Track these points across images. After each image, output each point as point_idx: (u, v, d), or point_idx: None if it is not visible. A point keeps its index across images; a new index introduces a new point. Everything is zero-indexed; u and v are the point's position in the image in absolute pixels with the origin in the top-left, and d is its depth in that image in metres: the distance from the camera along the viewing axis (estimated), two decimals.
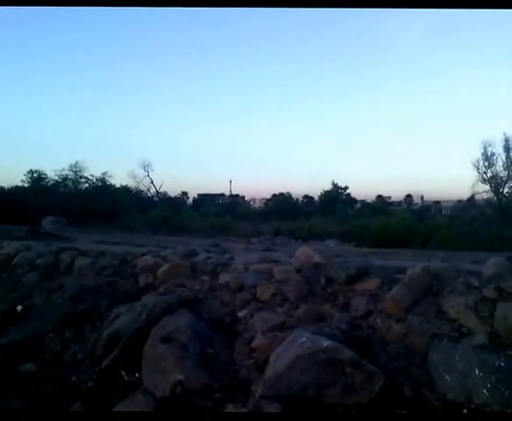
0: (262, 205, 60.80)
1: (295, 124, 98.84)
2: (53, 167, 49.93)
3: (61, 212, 28.65)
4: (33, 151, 72.73)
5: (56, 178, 40.70)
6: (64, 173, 40.83)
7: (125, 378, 4.29)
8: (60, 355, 5.00)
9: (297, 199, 57.79)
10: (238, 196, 63.87)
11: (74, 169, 40.91)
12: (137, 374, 4.25)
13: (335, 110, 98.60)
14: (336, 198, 51.54)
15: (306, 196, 59.36)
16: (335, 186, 54.03)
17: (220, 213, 43.30)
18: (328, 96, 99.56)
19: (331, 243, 25.52)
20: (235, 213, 44.18)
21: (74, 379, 4.46)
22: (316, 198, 56.82)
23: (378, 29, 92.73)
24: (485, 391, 3.21)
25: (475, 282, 4.48)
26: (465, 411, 3.18)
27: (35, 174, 40.23)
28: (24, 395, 4.14)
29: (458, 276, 4.70)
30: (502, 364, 3.36)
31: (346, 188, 54.55)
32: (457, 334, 3.87)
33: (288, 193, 57.33)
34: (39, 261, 8.19)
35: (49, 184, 40.16)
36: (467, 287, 4.40)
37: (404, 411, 3.16)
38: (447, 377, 3.46)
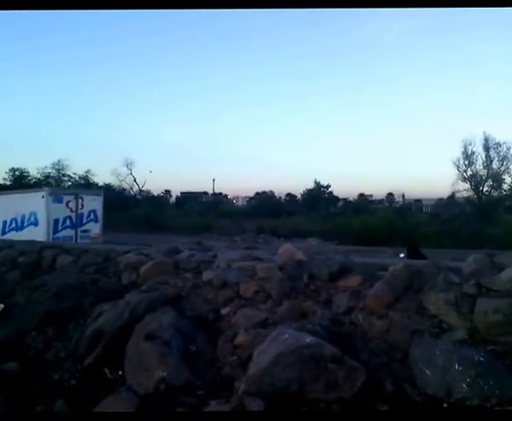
0: (245, 203, 60.90)
1: (278, 123, 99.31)
2: (36, 165, 49.37)
3: None
4: (15, 149, 71.96)
5: (38, 176, 40.39)
6: (46, 171, 40.54)
7: (108, 376, 4.28)
8: (43, 353, 4.96)
9: (280, 197, 58.02)
10: (221, 194, 63.82)
11: (57, 167, 40.68)
12: (120, 372, 4.24)
13: (317, 108, 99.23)
14: (318, 196, 51.81)
15: (289, 195, 59.54)
16: (317, 184, 54.36)
17: (203, 211, 43.21)
18: (310, 95, 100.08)
19: (314, 241, 25.64)
20: (218, 211, 44.18)
21: (56, 377, 4.43)
22: (299, 196, 57.05)
23: (361, 28, 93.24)
24: (464, 386, 3.25)
25: (455, 279, 4.53)
26: (444, 405, 3.22)
27: (17, 172, 39.83)
28: (6, 394, 4.09)
29: (438, 273, 4.75)
30: (482, 359, 3.41)
31: (328, 186, 54.94)
32: (437, 330, 3.91)
33: (270, 191, 57.68)
34: (21, 259, 8.14)
35: (31, 182, 39.77)
36: (448, 283, 4.45)
37: (386, 407, 3.19)
38: (428, 372, 3.50)
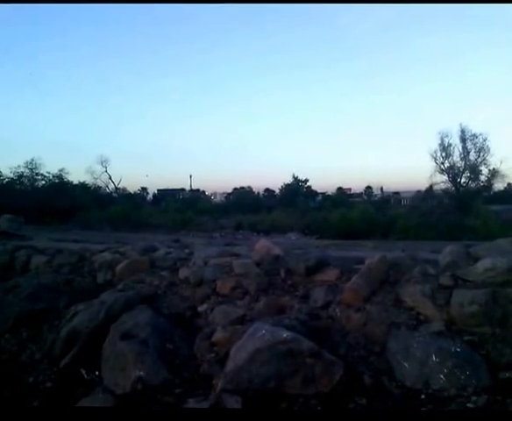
0: (223, 199, 60.77)
1: (255, 119, 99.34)
2: (8, 165, 48.52)
3: (18, 211, 27.97)
4: None
5: (11, 175, 39.71)
6: (19, 170, 39.89)
7: (85, 377, 4.21)
8: (17, 356, 4.87)
9: (258, 193, 57.89)
10: (198, 190, 63.50)
11: (30, 166, 39.97)
12: (97, 372, 4.17)
13: (294, 104, 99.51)
14: (297, 191, 51.86)
15: (267, 190, 59.49)
16: (295, 179, 54.35)
17: (181, 208, 42.79)
18: (287, 90, 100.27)
19: (293, 236, 25.61)
20: (196, 208, 43.80)
21: (31, 380, 4.34)
22: (277, 191, 57.02)
23: (335, 22, 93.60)
24: (442, 376, 3.27)
25: (432, 271, 4.56)
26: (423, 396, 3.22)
27: None
28: None
29: (414, 265, 4.77)
30: (458, 350, 3.43)
31: (307, 180, 54.96)
32: (414, 322, 3.93)
33: (248, 187, 57.55)
34: None
35: (4, 182, 39.11)
36: (424, 275, 4.48)
37: (364, 400, 3.18)
38: (405, 364, 3.51)
